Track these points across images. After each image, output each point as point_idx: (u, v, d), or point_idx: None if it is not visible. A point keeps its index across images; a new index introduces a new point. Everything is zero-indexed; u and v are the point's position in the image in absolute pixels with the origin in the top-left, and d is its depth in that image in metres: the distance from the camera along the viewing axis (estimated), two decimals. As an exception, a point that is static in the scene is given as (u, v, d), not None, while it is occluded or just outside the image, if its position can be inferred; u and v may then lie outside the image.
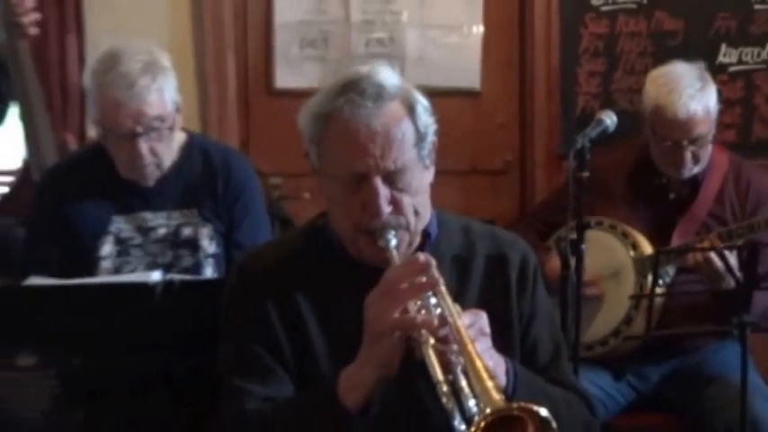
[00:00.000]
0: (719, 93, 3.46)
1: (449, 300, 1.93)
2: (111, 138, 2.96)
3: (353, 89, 2.03)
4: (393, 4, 4.44)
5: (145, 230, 3.03)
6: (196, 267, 3.02)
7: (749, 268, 3.06)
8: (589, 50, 4.42)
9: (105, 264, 3.00)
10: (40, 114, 3.58)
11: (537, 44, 4.46)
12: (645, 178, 3.53)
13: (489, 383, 1.77)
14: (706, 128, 3.37)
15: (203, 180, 3.07)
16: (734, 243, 3.26)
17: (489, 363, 1.88)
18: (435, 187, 2.16)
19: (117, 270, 2.99)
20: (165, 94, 2.91)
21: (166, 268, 2.87)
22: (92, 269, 2.97)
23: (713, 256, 3.23)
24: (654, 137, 3.45)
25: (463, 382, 1.80)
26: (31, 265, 2.90)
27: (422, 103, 2.09)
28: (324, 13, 4.44)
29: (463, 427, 1.76)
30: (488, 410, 1.72)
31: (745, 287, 3.06)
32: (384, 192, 2.03)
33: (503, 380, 1.95)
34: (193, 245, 3.03)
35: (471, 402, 1.76)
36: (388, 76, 2.08)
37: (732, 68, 4.38)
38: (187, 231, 3.04)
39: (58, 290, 2.53)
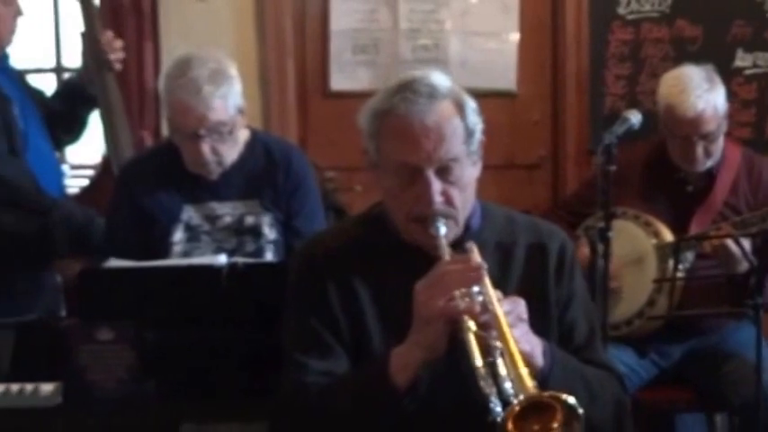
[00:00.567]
0: (735, 94, 3.43)
1: (490, 287, 1.92)
2: (177, 137, 2.98)
3: (408, 88, 2.02)
4: (437, 13, 4.44)
5: (212, 219, 3.03)
6: (258, 252, 3.02)
7: (763, 254, 3.04)
8: (616, 55, 4.40)
9: (177, 248, 3.01)
10: (120, 116, 3.61)
11: (568, 49, 4.44)
12: (664, 173, 3.49)
13: (523, 370, 1.77)
14: (714, 124, 3.33)
15: (265, 173, 3.06)
16: (748, 231, 3.22)
17: (526, 347, 1.88)
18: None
19: (187, 254, 3.00)
20: (228, 100, 2.90)
21: (231, 253, 2.88)
22: (165, 253, 2.98)
23: (729, 242, 3.20)
24: (668, 133, 3.42)
25: (501, 367, 1.79)
26: (110, 249, 2.92)
27: (470, 103, 2.08)
28: (375, 22, 4.45)
29: (499, 408, 1.74)
30: (521, 397, 1.72)
31: (759, 272, 3.04)
32: (436, 183, 2.02)
33: (540, 360, 1.94)
34: (256, 232, 3.03)
35: (508, 384, 1.76)
36: (440, 78, 2.07)
37: (747, 71, 4.33)
38: (250, 220, 3.04)
39: (135, 271, 2.56)
